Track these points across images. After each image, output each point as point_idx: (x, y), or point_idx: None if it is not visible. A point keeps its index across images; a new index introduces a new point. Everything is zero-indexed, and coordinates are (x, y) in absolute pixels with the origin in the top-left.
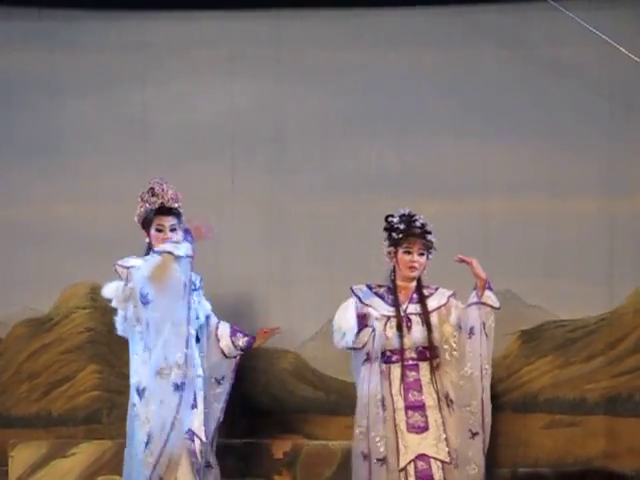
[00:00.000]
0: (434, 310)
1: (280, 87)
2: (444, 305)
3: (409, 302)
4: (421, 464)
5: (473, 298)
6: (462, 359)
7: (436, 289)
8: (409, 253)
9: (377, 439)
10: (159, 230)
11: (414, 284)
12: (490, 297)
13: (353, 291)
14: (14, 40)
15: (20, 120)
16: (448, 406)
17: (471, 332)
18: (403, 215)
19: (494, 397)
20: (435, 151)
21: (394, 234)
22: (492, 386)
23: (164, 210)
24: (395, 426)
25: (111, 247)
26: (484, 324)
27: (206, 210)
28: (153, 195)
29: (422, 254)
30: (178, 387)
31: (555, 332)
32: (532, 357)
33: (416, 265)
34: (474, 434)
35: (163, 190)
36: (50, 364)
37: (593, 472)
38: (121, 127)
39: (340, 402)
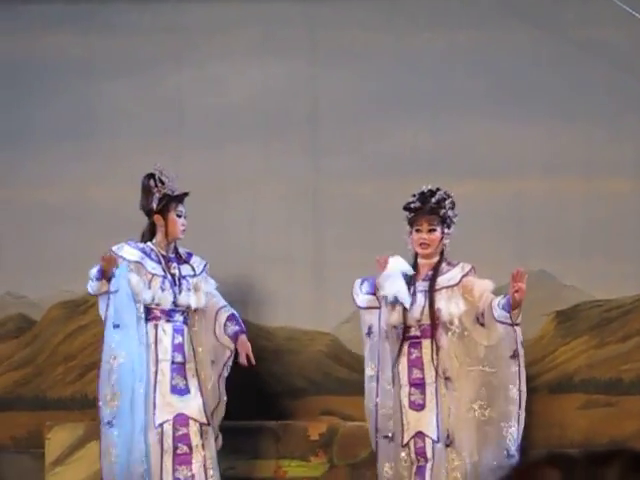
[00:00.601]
0: (443, 288)
1: (314, 68)
2: (456, 285)
3: (422, 279)
4: (418, 441)
5: (507, 318)
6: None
7: (455, 265)
8: (419, 231)
9: (385, 415)
10: (179, 216)
11: (435, 260)
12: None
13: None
14: (49, 23)
15: (55, 102)
16: (445, 385)
17: (515, 354)
18: (422, 193)
19: (530, 378)
20: (470, 132)
21: (407, 213)
22: (527, 367)
23: (182, 197)
24: (400, 402)
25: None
26: (522, 343)
27: (241, 192)
28: (163, 182)
29: (433, 230)
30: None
31: (591, 312)
32: (567, 337)
33: (426, 241)
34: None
35: (172, 177)
36: (85, 346)
37: (627, 452)
38: (156, 109)
39: None
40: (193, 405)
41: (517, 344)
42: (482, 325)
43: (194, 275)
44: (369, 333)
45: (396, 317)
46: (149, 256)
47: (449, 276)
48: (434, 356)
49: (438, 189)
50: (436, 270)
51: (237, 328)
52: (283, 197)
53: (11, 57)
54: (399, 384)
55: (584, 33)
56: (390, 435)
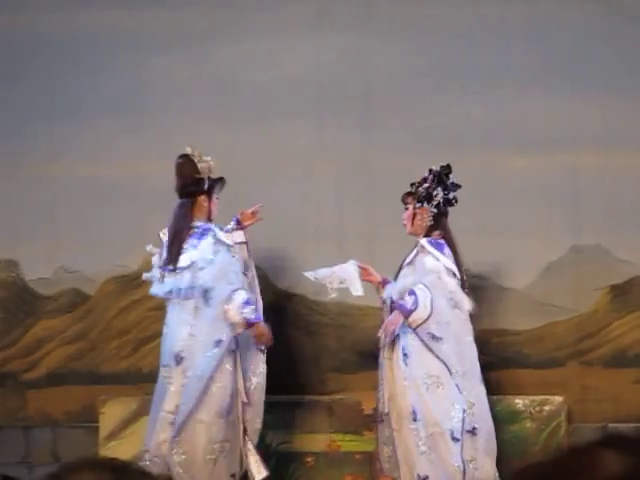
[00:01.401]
0: (404, 267)
1: (368, 42)
2: (411, 261)
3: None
4: None
5: None
6: None
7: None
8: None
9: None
10: (218, 198)
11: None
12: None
13: None
14: None
15: (106, 77)
16: (404, 363)
17: None
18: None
19: (584, 352)
20: (524, 105)
21: None
22: (581, 341)
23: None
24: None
25: None
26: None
27: (293, 167)
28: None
29: (406, 209)
30: None
31: None
32: (622, 312)
33: (404, 221)
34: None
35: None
36: (139, 320)
37: None
38: (208, 84)
39: None
40: None
41: None
42: None
43: None
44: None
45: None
46: None
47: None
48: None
49: (430, 169)
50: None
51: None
52: (335, 171)
53: (63, 31)
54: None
55: (638, 4)
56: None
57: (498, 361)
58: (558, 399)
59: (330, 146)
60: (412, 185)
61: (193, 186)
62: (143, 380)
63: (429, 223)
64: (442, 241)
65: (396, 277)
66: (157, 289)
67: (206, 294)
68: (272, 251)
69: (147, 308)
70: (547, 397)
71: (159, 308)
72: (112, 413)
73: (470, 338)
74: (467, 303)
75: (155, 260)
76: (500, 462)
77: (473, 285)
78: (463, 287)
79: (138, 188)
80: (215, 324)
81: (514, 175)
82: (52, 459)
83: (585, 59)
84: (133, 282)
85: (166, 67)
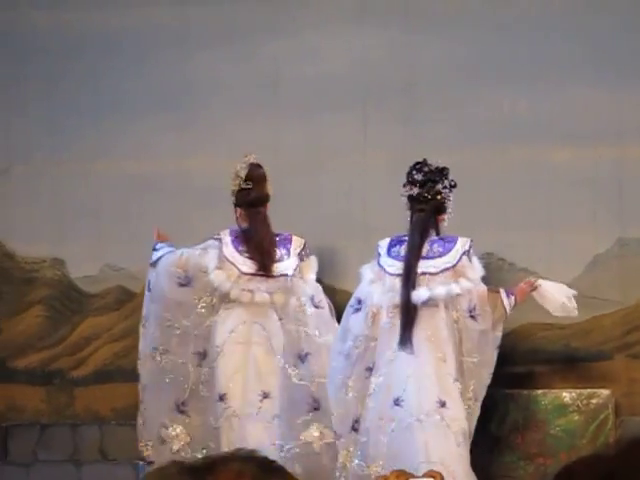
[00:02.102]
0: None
1: (411, 37)
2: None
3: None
4: None
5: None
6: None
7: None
8: None
9: None
10: None
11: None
12: None
13: None
14: None
15: (150, 73)
16: None
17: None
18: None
19: (630, 345)
20: (568, 97)
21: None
22: (628, 333)
23: None
24: None
25: None
26: None
27: (338, 162)
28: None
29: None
30: None
31: None
32: None
33: None
34: None
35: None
36: None
37: None
38: (252, 79)
39: None
40: None
41: None
42: None
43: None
44: None
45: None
46: None
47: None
48: None
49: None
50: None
51: None
52: (381, 167)
53: (107, 27)
54: None
55: None
56: None
57: (545, 355)
58: (605, 392)
59: (374, 142)
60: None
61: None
62: None
63: None
64: None
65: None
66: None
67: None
68: (319, 247)
69: None
70: (594, 390)
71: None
72: None
73: None
74: None
75: (212, 258)
76: (548, 456)
77: (520, 278)
78: None
79: (183, 185)
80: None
81: (559, 167)
82: (99, 456)
83: (629, 49)
84: None
85: (210, 63)
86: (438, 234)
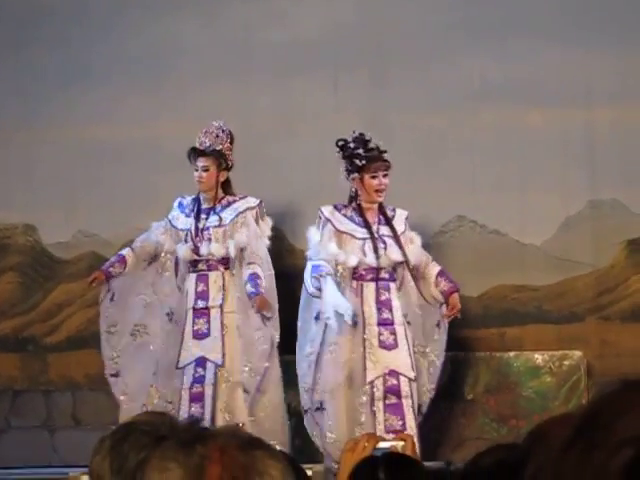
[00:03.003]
0: (401, 234)
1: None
2: (403, 232)
3: (378, 224)
4: (391, 380)
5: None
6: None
7: (393, 210)
8: (375, 177)
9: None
10: (196, 170)
11: (376, 205)
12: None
13: (326, 217)
14: None
15: (118, 37)
16: (407, 325)
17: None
18: (357, 139)
19: (602, 307)
20: (538, 59)
21: (357, 160)
22: (599, 296)
23: (196, 151)
24: (364, 341)
25: None
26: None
27: (309, 125)
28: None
29: (386, 175)
30: None
31: None
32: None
33: (383, 187)
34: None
35: (204, 132)
36: None
37: None
38: (223, 45)
39: None
40: (211, 346)
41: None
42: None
43: (218, 225)
44: (317, 318)
45: (371, 261)
46: (184, 211)
47: (397, 221)
48: (399, 297)
49: (365, 134)
50: (385, 215)
51: (252, 290)
52: (352, 130)
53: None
54: (364, 324)
55: None
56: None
57: (517, 317)
58: (577, 354)
59: (345, 105)
60: (376, 151)
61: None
62: None
63: None
64: None
65: (399, 242)
66: None
67: None
68: (289, 211)
69: None
70: (566, 352)
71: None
72: None
73: None
74: None
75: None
76: (521, 418)
77: (492, 240)
78: None
79: (153, 149)
80: None
81: (530, 130)
82: (73, 422)
83: (601, 10)
84: None
85: (179, 29)
86: None
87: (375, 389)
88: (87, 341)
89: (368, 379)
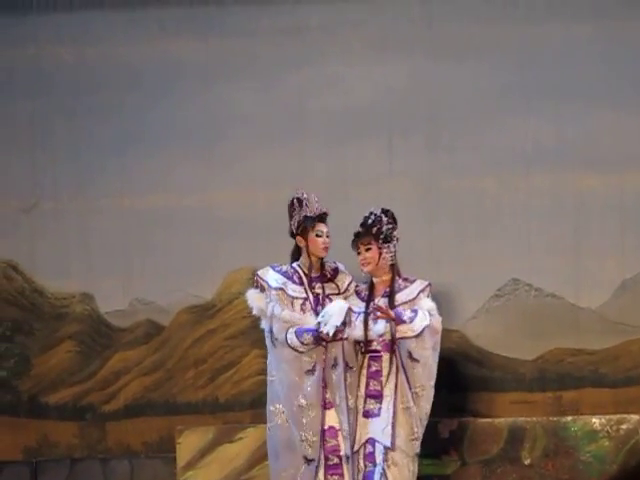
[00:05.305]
0: (402, 304)
1: (434, 64)
2: (413, 299)
3: (381, 296)
4: (369, 447)
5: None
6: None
7: (413, 281)
8: (359, 254)
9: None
10: (319, 235)
11: (388, 277)
12: (402, 331)
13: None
14: (166, 28)
15: (172, 106)
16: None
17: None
18: (363, 218)
19: None
20: (593, 123)
21: (354, 237)
22: None
23: (321, 217)
24: (357, 413)
25: (270, 231)
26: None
27: (364, 191)
28: (301, 204)
29: (369, 248)
30: None
31: None
32: None
33: (365, 260)
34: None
35: (312, 199)
36: (215, 350)
37: None
38: (277, 111)
39: (504, 378)
40: None
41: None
42: None
43: (338, 293)
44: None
45: (360, 333)
46: (291, 279)
47: (407, 292)
48: (392, 369)
49: (373, 211)
50: (392, 287)
51: None
52: (407, 195)
53: (128, 61)
54: (356, 395)
55: None
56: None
57: (573, 380)
58: (635, 417)
59: (400, 170)
60: (371, 227)
61: (289, 228)
62: (220, 409)
63: (392, 262)
64: None
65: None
66: None
67: None
68: (345, 266)
69: (222, 337)
70: (624, 416)
71: (233, 337)
72: (189, 443)
73: None
74: None
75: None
76: None
77: (547, 304)
78: None
79: (209, 217)
80: None
81: (586, 194)
82: None
83: None
84: (208, 312)
85: (233, 96)
86: None
87: (359, 458)
88: (144, 409)
89: (355, 449)
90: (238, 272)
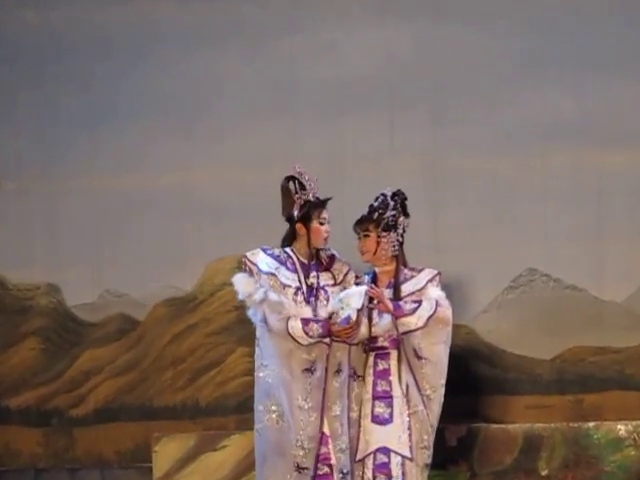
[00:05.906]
0: (409, 295)
1: (439, 30)
2: (420, 290)
3: (385, 287)
4: (381, 457)
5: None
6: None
7: (420, 270)
8: (359, 240)
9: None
10: (322, 223)
11: (392, 267)
12: (404, 324)
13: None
14: None
15: (149, 74)
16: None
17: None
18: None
19: None
20: (617, 95)
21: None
22: None
23: (325, 203)
24: (362, 417)
25: (258, 216)
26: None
27: (363, 169)
28: (304, 187)
29: (366, 235)
30: None
31: None
32: None
33: (362, 248)
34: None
35: (313, 181)
36: (196, 348)
37: None
38: (266, 82)
39: (518, 379)
40: None
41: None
42: None
43: (334, 284)
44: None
45: (364, 330)
46: (284, 264)
47: (414, 282)
48: (400, 367)
49: (385, 193)
50: (397, 277)
51: None
52: (410, 173)
53: (99, 24)
54: (360, 400)
55: None
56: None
57: (596, 382)
58: None
59: (402, 146)
60: (373, 212)
61: (286, 212)
62: (201, 414)
63: (394, 252)
64: None
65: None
66: None
67: None
68: (341, 254)
69: (204, 334)
70: None
71: (217, 333)
72: (167, 451)
73: None
74: None
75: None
76: None
77: (567, 297)
78: None
79: (189, 200)
80: None
81: (609, 174)
82: None
83: None
84: (188, 305)
85: (217, 63)
86: None
87: (366, 467)
88: (117, 413)
89: (358, 457)
90: (221, 261)
